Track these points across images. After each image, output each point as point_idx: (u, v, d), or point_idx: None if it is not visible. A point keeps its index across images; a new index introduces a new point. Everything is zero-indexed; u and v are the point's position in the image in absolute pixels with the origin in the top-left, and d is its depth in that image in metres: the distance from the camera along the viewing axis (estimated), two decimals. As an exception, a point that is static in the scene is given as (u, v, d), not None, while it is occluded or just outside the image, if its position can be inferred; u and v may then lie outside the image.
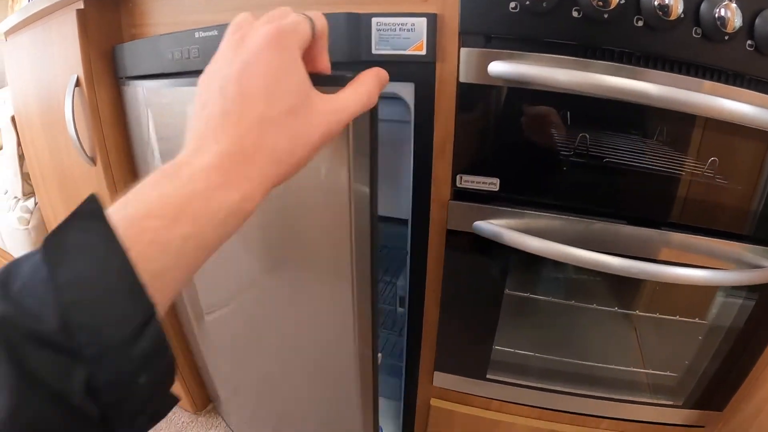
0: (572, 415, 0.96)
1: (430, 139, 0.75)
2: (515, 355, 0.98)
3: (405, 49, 0.70)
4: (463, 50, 0.67)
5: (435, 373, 0.98)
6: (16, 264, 0.26)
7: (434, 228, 0.81)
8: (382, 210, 0.97)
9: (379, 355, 0.77)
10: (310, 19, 0.40)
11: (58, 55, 1.00)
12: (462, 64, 0.68)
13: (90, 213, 0.28)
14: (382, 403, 1.31)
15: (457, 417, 1.02)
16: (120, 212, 0.29)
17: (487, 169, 0.74)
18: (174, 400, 0.31)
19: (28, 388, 0.23)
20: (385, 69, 0.71)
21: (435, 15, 0.66)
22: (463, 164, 0.74)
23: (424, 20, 0.67)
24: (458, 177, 0.75)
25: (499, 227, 0.74)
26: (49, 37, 1.01)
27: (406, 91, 0.74)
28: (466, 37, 0.67)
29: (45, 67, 1.08)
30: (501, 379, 0.95)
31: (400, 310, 0.90)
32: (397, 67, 0.72)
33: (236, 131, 0.34)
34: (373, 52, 0.71)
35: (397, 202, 0.94)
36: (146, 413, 0.28)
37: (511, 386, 0.95)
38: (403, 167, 0.89)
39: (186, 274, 0.31)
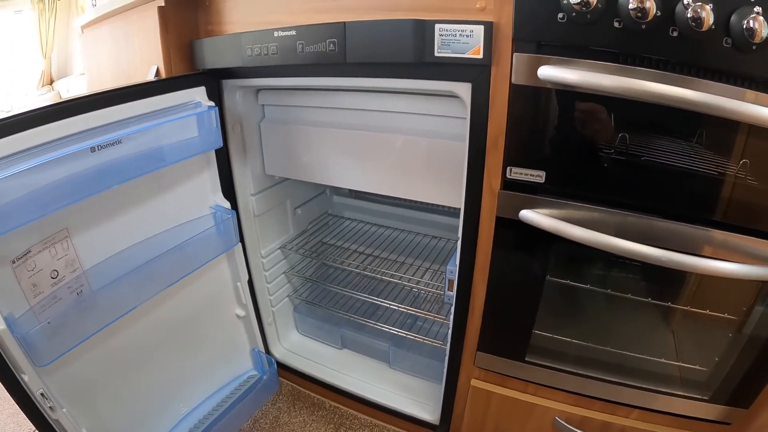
0: (604, 402, 1.08)
1: (484, 133, 0.90)
2: (553, 340, 1.10)
3: (464, 53, 0.85)
4: (516, 55, 0.82)
5: (477, 353, 1.12)
6: None
7: (485, 215, 0.96)
8: (431, 200, 1.14)
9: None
10: None
11: (139, 47, 1.18)
12: (515, 67, 0.82)
13: None
14: (424, 384, 1.47)
15: (494, 399, 1.16)
16: None
17: (534, 163, 0.88)
18: None
19: None
20: (445, 70, 0.88)
21: (492, 23, 0.81)
22: (513, 157, 0.89)
23: (481, 27, 0.82)
24: (508, 169, 0.90)
25: (544, 216, 0.88)
26: (130, 30, 1.20)
27: (464, 90, 0.90)
28: (518, 44, 0.81)
29: (124, 58, 1.26)
30: (539, 362, 1.08)
31: (449, 293, 1.05)
32: (456, 68, 0.88)
33: None
34: (436, 54, 0.86)
35: (447, 191, 1.09)
36: None
37: (548, 370, 1.08)
38: (453, 159, 1.05)
39: None
